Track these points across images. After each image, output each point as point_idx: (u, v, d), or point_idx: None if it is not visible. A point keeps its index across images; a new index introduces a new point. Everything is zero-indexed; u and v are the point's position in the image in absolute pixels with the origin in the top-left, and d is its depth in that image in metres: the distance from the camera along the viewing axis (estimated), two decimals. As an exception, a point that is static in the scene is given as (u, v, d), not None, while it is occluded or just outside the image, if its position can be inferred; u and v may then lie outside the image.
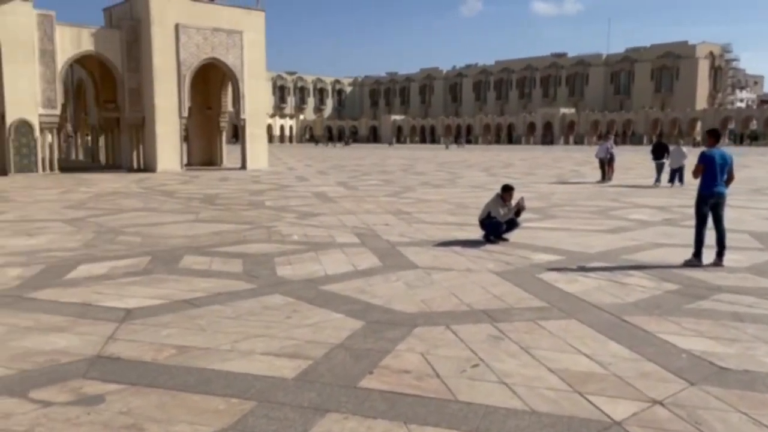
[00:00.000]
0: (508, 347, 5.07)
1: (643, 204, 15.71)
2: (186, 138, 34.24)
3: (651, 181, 22.45)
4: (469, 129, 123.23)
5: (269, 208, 14.78)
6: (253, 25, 30.71)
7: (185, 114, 28.99)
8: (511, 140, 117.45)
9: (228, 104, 33.14)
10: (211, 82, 32.47)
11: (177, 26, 28.03)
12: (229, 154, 35.24)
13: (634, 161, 41.24)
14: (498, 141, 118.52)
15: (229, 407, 3.95)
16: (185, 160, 31.36)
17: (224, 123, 33.84)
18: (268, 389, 4.21)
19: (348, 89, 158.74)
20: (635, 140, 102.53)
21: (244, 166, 30.98)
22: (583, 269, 7.98)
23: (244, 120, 30.86)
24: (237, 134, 32.61)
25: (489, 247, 9.54)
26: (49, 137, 26.56)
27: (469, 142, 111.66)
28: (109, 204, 15.37)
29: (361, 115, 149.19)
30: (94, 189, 19.58)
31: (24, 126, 25.22)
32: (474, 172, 29.97)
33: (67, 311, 6.00)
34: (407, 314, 5.97)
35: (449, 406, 3.99)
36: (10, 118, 24.84)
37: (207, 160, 33.75)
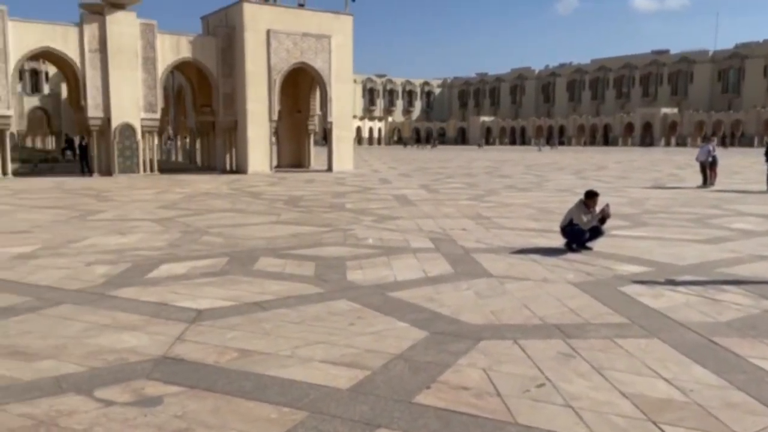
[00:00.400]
0: (579, 366, 4.75)
1: (748, 212, 14.52)
2: (276, 140, 35.31)
3: (759, 186, 20.76)
4: (561, 130, 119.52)
5: (349, 210, 14.88)
6: (341, 29, 31.18)
7: (275, 117, 29.86)
8: (607, 142, 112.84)
9: (317, 107, 33.84)
10: (300, 86, 33.27)
11: (268, 32, 28.92)
12: (317, 156, 35.97)
13: (742, 165, 38.44)
14: (593, 142, 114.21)
15: (280, 416, 3.91)
16: (275, 162, 32.32)
17: (312, 126, 34.57)
18: (322, 399, 4.14)
19: (437, 91, 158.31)
20: (745, 142, 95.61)
21: (330, 168, 31.50)
22: (671, 283, 7.41)
23: (331, 123, 31.40)
24: (327, 136, 33.20)
25: (570, 256, 9.09)
26: (150, 140, 28.13)
27: (561, 143, 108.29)
28: (199, 204, 16.02)
29: (450, 116, 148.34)
30: (187, 189, 20.52)
31: (127, 129, 26.88)
32: (563, 176, 28.95)
33: (143, 310, 6.22)
34: (474, 326, 5.75)
35: (506, 428, 3.76)
36: (115, 122, 26.53)
37: (296, 162, 34.62)
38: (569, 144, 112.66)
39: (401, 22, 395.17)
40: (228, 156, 30.53)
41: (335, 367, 4.72)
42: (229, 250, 9.48)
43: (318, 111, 33.68)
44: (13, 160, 40.46)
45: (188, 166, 35.95)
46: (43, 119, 72.86)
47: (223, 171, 30.14)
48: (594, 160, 47.17)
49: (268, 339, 5.36)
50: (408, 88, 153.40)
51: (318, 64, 30.33)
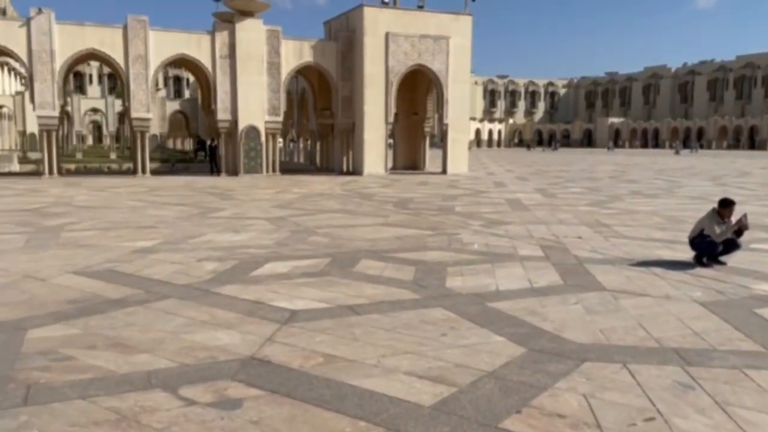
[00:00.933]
0: (698, 400, 4.14)
1: None
2: (393, 142, 35.57)
3: None
4: (700, 132, 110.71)
5: (458, 214, 14.51)
6: (459, 30, 30.78)
7: (391, 120, 30.04)
8: (753, 145, 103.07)
9: (433, 109, 33.67)
10: (417, 88, 33.24)
11: (387, 35, 29.15)
12: (433, 158, 35.74)
13: None
14: (736, 146, 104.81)
15: (354, 431, 3.71)
16: (390, 164, 32.54)
17: (428, 128, 34.45)
18: (401, 416, 3.89)
19: (562, 91, 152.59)
20: None
21: (444, 171, 31.20)
22: (822, 307, 6.41)
23: (446, 125, 31.08)
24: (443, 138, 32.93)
25: (699, 270, 8.19)
26: (272, 142, 29.33)
27: (701, 146, 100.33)
28: (312, 205, 16.36)
29: (575, 117, 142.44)
30: (304, 190, 21.09)
31: (252, 131, 28.20)
32: (698, 182, 26.66)
33: (240, 308, 6.30)
34: (578, 345, 5.24)
35: (603, 469, 3.30)
36: (242, 124, 27.92)
37: (411, 163, 34.65)
38: (709, 147, 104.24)
39: (524, 21, 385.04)
40: (345, 158, 31.14)
41: (420, 380, 4.45)
42: (333, 250, 9.50)
43: (435, 113, 33.49)
44: (154, 160, 43.96)
45: (308, 167, 37.15)
46: (182, 122, 78.85)
47: (340, 172, 30.79)
48: (736, 165, 43.18)
49: (356, 345, 5.20)
50: (531, 88, 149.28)
51: (435, 65, 30.13)
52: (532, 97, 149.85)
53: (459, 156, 31.80)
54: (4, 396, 4.12)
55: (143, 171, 27.32)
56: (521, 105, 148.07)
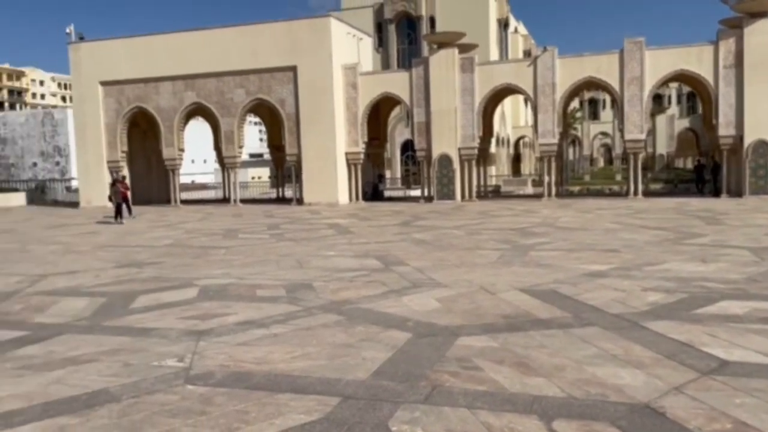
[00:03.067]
0: None
1: None
2: None
3: None
4: None
5: None
6: None
7: None
8: None
9: None
10: None
11: None
12: None
13: None
14: None
15: None
16: None
17: None
18: None
19: None
20: None
21: None
22: None
23: None
24: None
25: None
26: (790, 157, 24.81)
27: None
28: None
29: None
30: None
31: (762, 147, 24.47)
32: None
33: (662, 348, 5.69)
34: None
35: None
36: (748, 139, 24.53)
37: None
38: None
39: None
40: None
41: None
42: (821, 294, 7.51)
43: None
44: (657, 180, 43.09)
45: None
46: (692, 140, 74.51)
47: None
48: None
49: (787, 420, 4.05)
50: None
51: None
52: None
53: None
54: (413, 391, 4.84)
55: (635, 192, 27.03)
56: None
